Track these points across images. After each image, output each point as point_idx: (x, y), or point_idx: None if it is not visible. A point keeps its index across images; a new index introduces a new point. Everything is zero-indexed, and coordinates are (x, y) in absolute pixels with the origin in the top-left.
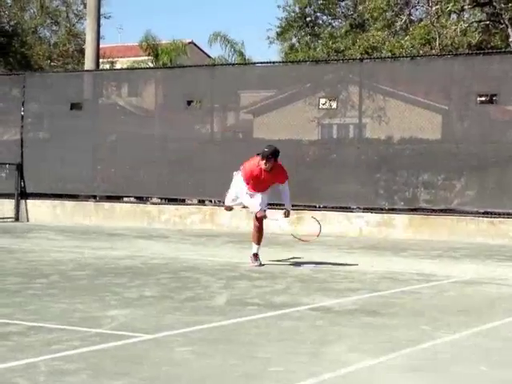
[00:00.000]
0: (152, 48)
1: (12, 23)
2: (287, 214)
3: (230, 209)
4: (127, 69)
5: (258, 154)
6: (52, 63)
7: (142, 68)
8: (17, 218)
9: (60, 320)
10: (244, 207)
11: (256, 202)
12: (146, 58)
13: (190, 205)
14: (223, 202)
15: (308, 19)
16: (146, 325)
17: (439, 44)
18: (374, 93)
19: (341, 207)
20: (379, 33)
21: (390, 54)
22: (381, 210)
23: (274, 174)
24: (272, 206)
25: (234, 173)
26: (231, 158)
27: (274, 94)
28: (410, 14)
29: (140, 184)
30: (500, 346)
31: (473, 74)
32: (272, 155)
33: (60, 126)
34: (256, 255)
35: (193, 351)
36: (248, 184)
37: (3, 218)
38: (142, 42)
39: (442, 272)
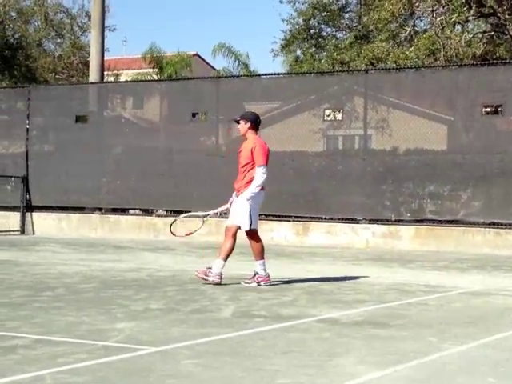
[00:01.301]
0: (156, 60)
1: (16, 36)
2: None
3: None
4: (132, 81)
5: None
6: (57, 76)
7: (146, 80)
8: (22, 231)
9: (66, 333)
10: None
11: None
12: (151, 70)
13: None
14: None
15: (312, 31)
16: (153, 337)
17: (444, 55)
18: (378, 104)
19: (347, 219)
20: (384, 44)
21: (394, 65)
22: (387, 222)
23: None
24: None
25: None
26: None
27: (279, 106)
28: (414, 25)
29: (145, 196)
30: (508, 358)
31: (478, 85)
32: (241, 116)
33: (65, 138)
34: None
35: (199, 364)
36: None
37: (9, 231)
38: (146, 55)
39: (449, 283)
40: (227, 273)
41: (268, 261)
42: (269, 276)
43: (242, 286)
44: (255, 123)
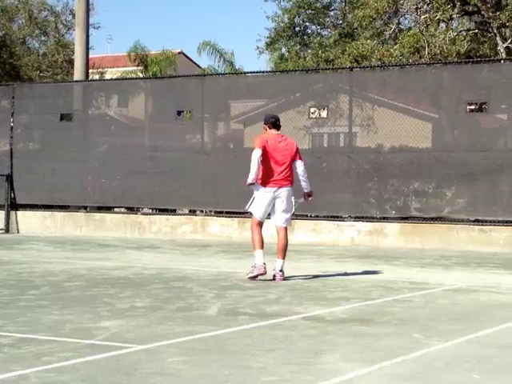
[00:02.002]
0: (141, 58)
1: (0, 34)
2: None
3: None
4: (117, 79)
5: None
6: (41, 74)
7: (131, 78)
8: (7, 230)
9: (51, 331)
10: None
11: None
12: (136, 68)
13: (181, 215)
14: (214, 212)
15: (297, 29)
16: (138, 335)
17: (428, 53)
18: (363, 101)
19: (332, 216)
20: (368, 41)
21: (379, 62)
22: (372, 219)
23: None
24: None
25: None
26: (222, 167)
27: (264, 104)
28: (398, 23)
29: (131, 194)
30: (493, 354)
31: (462, 83)
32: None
33: (50, 136)
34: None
35: (185, 361)
36: None
37: None
38: (131, 53)
39: (434, 280)
40: (214, 271)
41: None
42: (259, 267)
43: (228, 284)
44: (268, 122)
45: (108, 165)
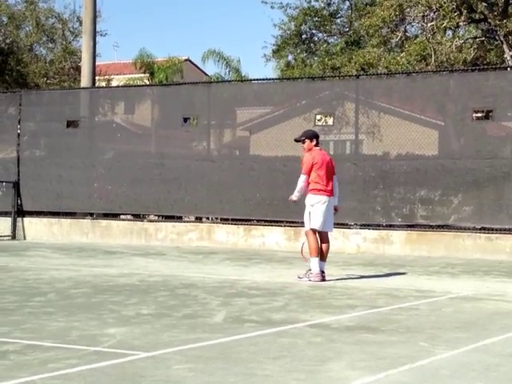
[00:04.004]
0: (147, 65)
1: (8, 41)
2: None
3: None
4: (124, 86)
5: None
6: (48, 81)
7: (138, 85)
8: (14, 236)
9: (57, 338)
10: None
11: None
12: (143, 75)
13: (187, 222)
14: (220, 219)
15: (304, 36)
16: (144, 342)
17: (435, 60)
18: (370, 109)
19: (338, 224)
20: (375, 49)
21: (385, 70)
22: (378, 227)
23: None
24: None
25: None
26: (228, 174)
27: (270, 111)
28: (405, 31)
29: (137, 201)
30: (499, 362)
31: (468, 90)
32: (303, 135)
33: (56, 143)
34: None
35: (190, 369)
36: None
37: (0, 236)
38: (136, 60)
39: (440, 288)
40: (219, 278)
41: (259, 266)
42: (318, 274)
43: (234, 292)
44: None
45: (114, 172)
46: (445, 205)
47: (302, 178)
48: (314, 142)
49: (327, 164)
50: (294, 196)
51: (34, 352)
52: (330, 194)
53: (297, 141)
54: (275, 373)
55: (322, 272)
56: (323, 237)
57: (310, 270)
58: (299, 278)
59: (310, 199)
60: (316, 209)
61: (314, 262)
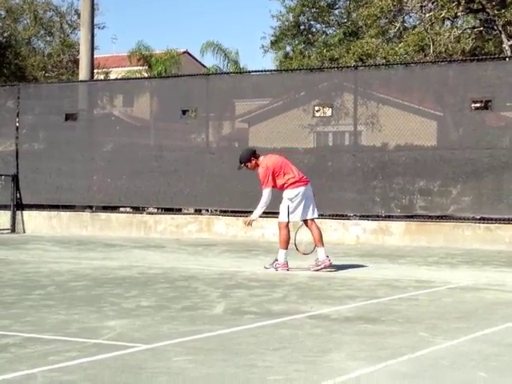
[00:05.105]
0: (145, 58)
1: (5, 35)
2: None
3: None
4: (122, 79)
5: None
6: (46, 74)
7: (136, 78)
8: (13, 230)
9: (57, 331)
10: None
11: None
12: (141, 67)
13: (186, 214)
14: (219, 211)
15: (302, 27)
16: (144, 335)
17: (433, 51)
18: (368, 100)
19: (337, 215)
20: (373, 40)
21: (384, 61)
22: (377, 218)
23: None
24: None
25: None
26: (227, 166)
27: (268, 103)
28: (403, 21)
29: (136, 194)
30: (498, 352)
31: (467, 81)
32: (240, 161)
33: (55, 136)
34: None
35: (191, 360)
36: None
37: None
38: (134, 52)
39: (440, 278)
40: (219, 270)
41: (259, 257)
42: (285, 264)
43: (233, 283)
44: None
45: (113, 164)
46: (444, 195)
47: (267, 192)
48: (254, 159)
49: (282, 161)
50: (255, 215)
51: (35, 345)
52: (306, 181)
53: (240, 168)
54: (275, 364)
55: (327, 256)
56: (310, 224)
57: (276, 259)
58: (266, 267)
59: (288, 194)
60: (295, 203)
61: (282, 254)
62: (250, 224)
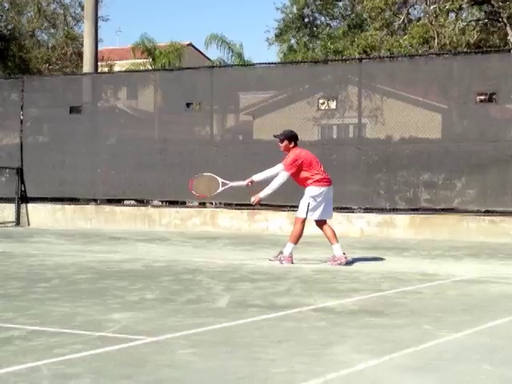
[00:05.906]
0: (148, 51)
1: (9, 27)
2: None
3: None
4: (126, 71)
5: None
6: (50, 67)
7: (140, 70)
8: (18, 223)
9: (62, 324)
10: None
11: None
12: (145, 60)
13: (190, 207)
14: (224, 204)
15: (306, 20)
16: (148, 327)
17: (438, 43)
18: (373, 93)
19: (341, 208)
20: (377, 32)
21: (388, 53)
22: (382, 211)
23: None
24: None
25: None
26: (231, 159)
27: (273, 95)
28: (408, 13)
29: (140, 187)
30: (503, 345)
31: (472, 73)
32: (281, 134)
33: (59, 129)
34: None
35: (195, 353)
36: None
37: (4, 223)
38: (137, 45)
39: (444, 271)
40: (223, 263)
41: (263, 250)
42: (290, 258)
43: (237, 276)
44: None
45: (117, 157)
46: (448, 188)
47: (285, 176)
48: (292, 143)
49: (314, 158)
50: (264, 193)
51: (39, 337)
52: (330, 182)
53: (275, 136)
54: (279, 357)
55: (344, 253)
56: (322, 223)
57: (281, 252)
58: (270, 260)
59: (311, 191)
60: (316, 202)
61: (289, 247)
62: (257, 203)
